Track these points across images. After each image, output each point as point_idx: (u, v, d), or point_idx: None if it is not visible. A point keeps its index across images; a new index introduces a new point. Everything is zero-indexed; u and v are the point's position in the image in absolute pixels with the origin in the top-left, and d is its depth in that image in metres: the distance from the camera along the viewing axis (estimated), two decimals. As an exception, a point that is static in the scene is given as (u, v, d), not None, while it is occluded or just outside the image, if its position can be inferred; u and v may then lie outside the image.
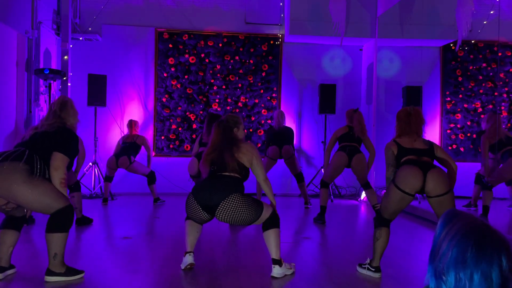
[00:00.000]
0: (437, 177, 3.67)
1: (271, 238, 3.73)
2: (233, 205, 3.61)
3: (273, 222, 3.74)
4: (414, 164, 3.74)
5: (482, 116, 9.50)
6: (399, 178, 3.72)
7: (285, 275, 3.77)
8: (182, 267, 3.88)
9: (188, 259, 3.87)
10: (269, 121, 9.28)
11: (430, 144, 3.89)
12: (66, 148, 3.57)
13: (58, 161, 3.50)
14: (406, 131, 3.91)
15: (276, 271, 3.73)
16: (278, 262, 3.74)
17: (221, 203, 3.60)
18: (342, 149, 6.29)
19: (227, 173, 3.72)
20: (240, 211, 3.62)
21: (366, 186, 6.31)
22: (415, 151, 3.82)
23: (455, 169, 3.83)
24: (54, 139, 3.57)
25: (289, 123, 9.37)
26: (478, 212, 6.94)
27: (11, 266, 3.68)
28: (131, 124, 8.02)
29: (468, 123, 9.50)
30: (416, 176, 3.67)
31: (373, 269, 3.84)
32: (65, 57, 8.32)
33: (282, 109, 9.35)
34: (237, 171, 3.73)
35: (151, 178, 7.74)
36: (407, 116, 3.93)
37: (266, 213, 3.72)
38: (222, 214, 3.63)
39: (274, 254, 3.74)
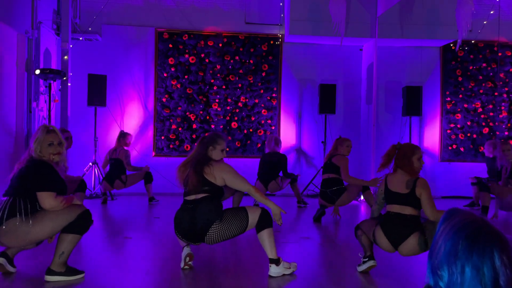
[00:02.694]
0: (407, 249, 3.66)
1: (264, 238, 3.71)
2: (217, 233, 3.68)
3: (264, 222, 3.71)
4: (386, 231, 3.69)
5: (482, 116, 9.50)
6: (376, 237, 3.76)
7: (284, 274, 3.76)
8: (182, 264, 3.88)
9: (186, 250, 3.89)
10: (269, 121, 9.29)
11: (413, 186, 3.69)
12: (43, 183, 3.45)
13: (46, 201, 3.43)
14: (396, 166, 3.85)
15: (273, 270, 3.72)
16: (275, 261, 3.73)
17: (205, 238, 3.70)
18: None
19: (200, 195, 3.72)
20: (225, 233, 3.69)
21: (364, 189, 6.34)
22: (395, 195, 3.74)
23: (433, 219, 3.63)
24: (28, 179, 3.45)
25: (289, 123, 9.38)
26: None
27: (13, 265, 3.69)
28: (119, 136, 7.82)
29: (468, 123, 9.50)
30: (388, 247, 3.72)
31: (367, 258, 3.86)
32: (65, 57, 8.32)
33: (282, 109, 9.35)
34: (207, 191, 3.73)
35: (147, 178, 7.77)
36: (392, 150, 3.89)
37: (254, 217, 3.71)
38: (210, 242, 3.74)
39: (270, 253, 3.73)
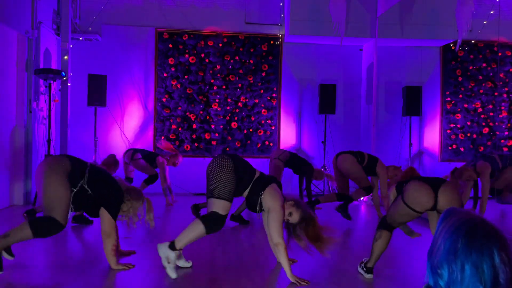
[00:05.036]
0: (450, 194, 3.50)
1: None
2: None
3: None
4: (423, 181, 3.58)
5: (482, 116, 9.50)
6: (408, 195, 3.55)
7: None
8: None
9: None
10: (269, 121, 9.29)
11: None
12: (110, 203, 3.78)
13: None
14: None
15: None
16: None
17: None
18: None
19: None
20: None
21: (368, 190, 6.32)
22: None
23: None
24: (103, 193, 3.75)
25: (289, 123, 9.40)
26: None
27: (11, 254, 3.74)
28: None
29: (468, 123, 9.50)
30: (427, 194, 3.51)
31: (365, 270, 3.76)
32: (65, 57, 8.32)
33: (282, 109, 9.36)
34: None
35: (151, 179, 7.62)
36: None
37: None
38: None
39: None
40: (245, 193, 3.68)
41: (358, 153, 6.34)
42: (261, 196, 3.60)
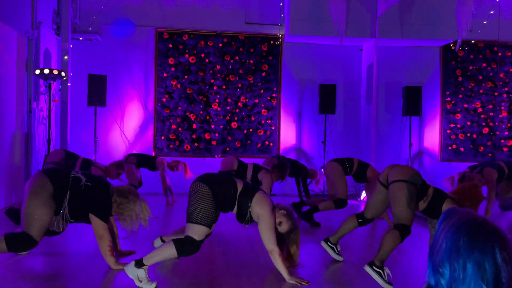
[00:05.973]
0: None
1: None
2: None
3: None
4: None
5: (482, 116, 9.50)
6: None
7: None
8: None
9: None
10: (269, 121, 9.30)
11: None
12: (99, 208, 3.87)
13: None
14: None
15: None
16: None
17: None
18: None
19: None
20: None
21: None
22: None
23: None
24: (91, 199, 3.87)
25: (289, 123, 9.41)
26: None
27: None
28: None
29: (468, 123, 9.50)
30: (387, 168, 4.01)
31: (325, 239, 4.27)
32: (65, 57, 8.32)
33: (282, 109, 9.37)
34: None
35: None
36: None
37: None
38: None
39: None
40: (235, 210, 3.61)
41: (347, 160, 6.08)
42: (249, 208, 3.54)
